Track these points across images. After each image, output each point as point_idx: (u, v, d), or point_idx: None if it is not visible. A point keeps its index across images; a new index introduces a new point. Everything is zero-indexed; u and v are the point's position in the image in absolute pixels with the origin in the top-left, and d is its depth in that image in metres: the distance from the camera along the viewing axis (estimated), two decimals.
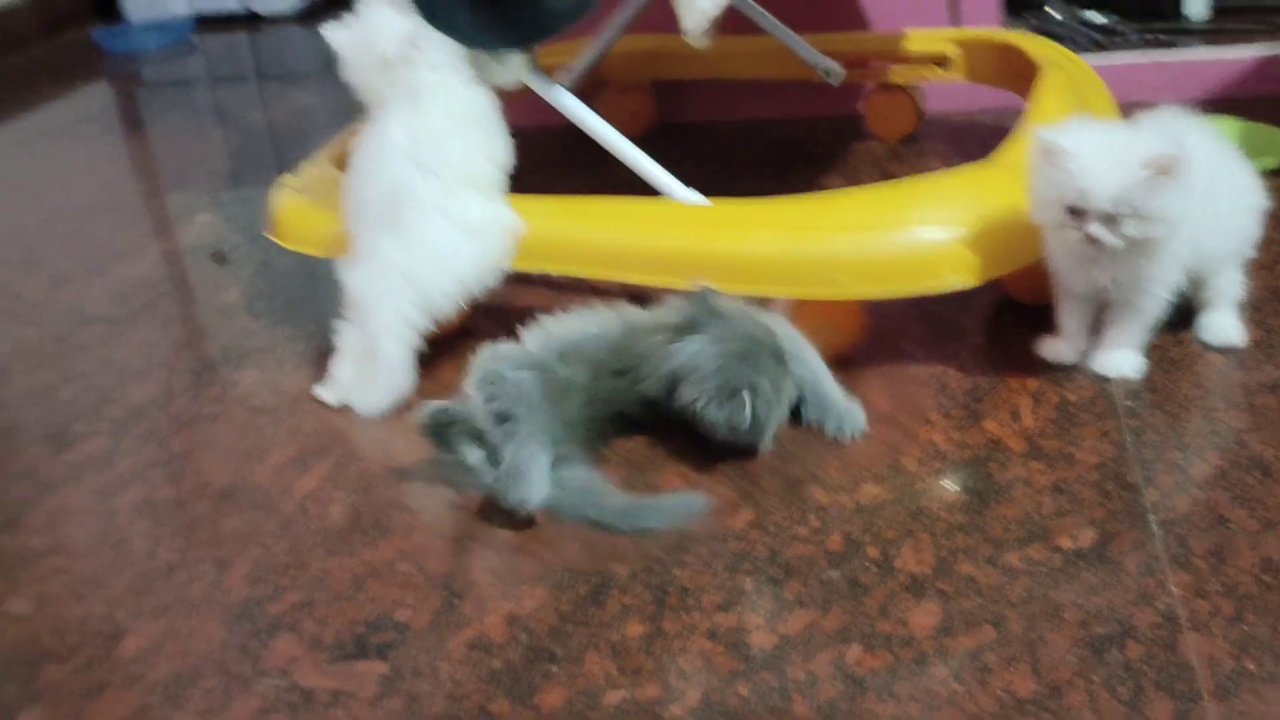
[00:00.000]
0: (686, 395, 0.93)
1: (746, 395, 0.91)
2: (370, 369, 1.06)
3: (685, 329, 0.95)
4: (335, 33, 1.08)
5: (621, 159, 1.16)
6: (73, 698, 0.79)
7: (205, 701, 0.77)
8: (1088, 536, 0.83)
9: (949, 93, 1.61)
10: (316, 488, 0.98)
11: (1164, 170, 0.89)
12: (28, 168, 1.90)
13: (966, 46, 1.47)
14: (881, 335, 1.11)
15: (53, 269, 1.49)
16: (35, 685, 0.80)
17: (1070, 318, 1.02)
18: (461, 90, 1.08)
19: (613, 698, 0.74)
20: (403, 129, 1.05)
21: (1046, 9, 1.78)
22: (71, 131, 2.06)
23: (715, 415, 0.92)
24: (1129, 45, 1.65)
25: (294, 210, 1.23)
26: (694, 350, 0.93)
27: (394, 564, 0.88)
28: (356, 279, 1.07)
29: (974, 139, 1.56)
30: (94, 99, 2.28)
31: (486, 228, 1.07)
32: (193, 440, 1.07)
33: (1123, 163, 0.89)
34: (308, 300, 1.31)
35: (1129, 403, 0.98)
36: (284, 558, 0.90)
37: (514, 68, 1.13)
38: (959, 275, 1.00)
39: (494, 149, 1.09)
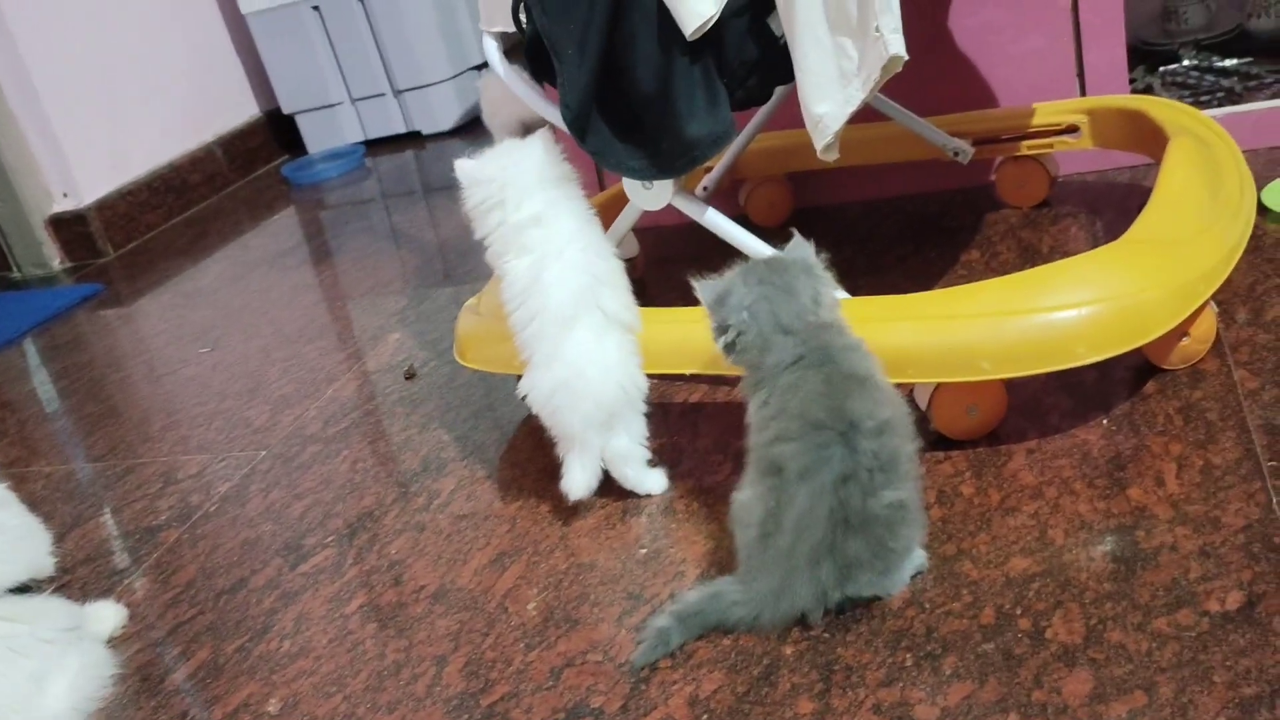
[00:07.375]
0: None
1: None
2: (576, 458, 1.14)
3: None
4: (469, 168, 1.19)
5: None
6: None
7: None
8: (1235, 599, 0.87)
9: (1082, 154, 1.65)
10: (513, 586, 1.11)
11: None
12: (242, 300, 2.15)
13: (1094, 115, 1.51)
14: (1023, 408, 1.17)
15: (274, 395, 1.70)
16: None
17: None
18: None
19: None
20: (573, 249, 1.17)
21: (1177, 61, 1.80)
22: (274, 263, 2.31)
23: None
24: (1266, 90, 1.65)
25: (476, 334, 1.38)
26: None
27: (585, 654, 0.99)
28: (542, 385, 1.15)
29: (1109, 201, 1.59)
30: (288, 230, 2.54)
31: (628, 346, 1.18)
32: (405, 547, 1.22)
33: None
34: (489, 410, 1.46)
35: (1274, 463, 1.01)
36: (490, 653, 1.02)
37: (662, 193, 1.25)
38: (1093, 352, 1.06)
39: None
